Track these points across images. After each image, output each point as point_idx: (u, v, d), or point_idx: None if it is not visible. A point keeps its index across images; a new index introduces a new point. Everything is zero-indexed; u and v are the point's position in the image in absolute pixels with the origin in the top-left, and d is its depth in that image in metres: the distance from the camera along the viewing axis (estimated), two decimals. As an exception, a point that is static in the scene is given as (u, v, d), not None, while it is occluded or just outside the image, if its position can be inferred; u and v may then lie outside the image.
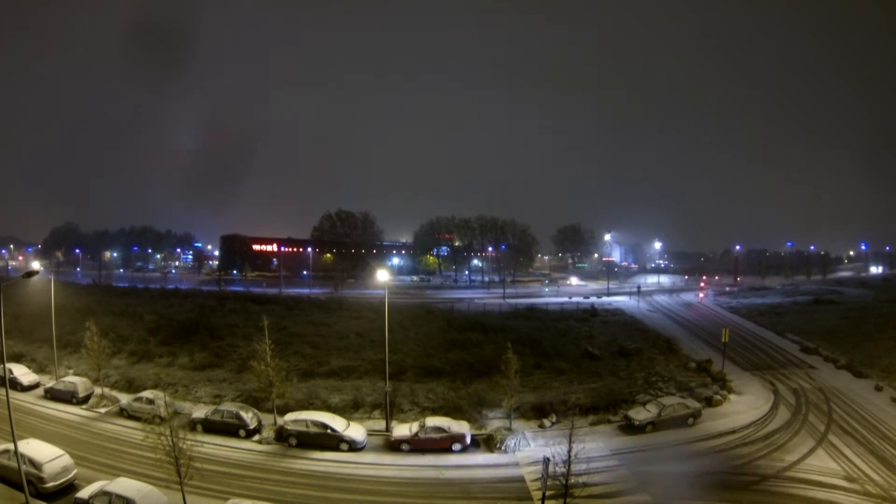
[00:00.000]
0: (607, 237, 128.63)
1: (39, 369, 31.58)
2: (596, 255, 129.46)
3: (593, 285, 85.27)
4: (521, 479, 20.00)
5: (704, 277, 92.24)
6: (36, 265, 44.40)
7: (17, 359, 32.25)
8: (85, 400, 27.12)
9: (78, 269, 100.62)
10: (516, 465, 21.22)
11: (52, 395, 27.61)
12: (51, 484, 17.78)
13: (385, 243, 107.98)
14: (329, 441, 22.47)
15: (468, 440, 22.69)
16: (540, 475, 17.72)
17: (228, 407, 24.78)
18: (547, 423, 25.13)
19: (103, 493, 16.52)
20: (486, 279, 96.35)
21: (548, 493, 16.80)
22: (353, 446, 22.40)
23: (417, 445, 22.33)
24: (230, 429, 23.56)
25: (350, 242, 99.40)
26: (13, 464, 16.67)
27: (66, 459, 18.69)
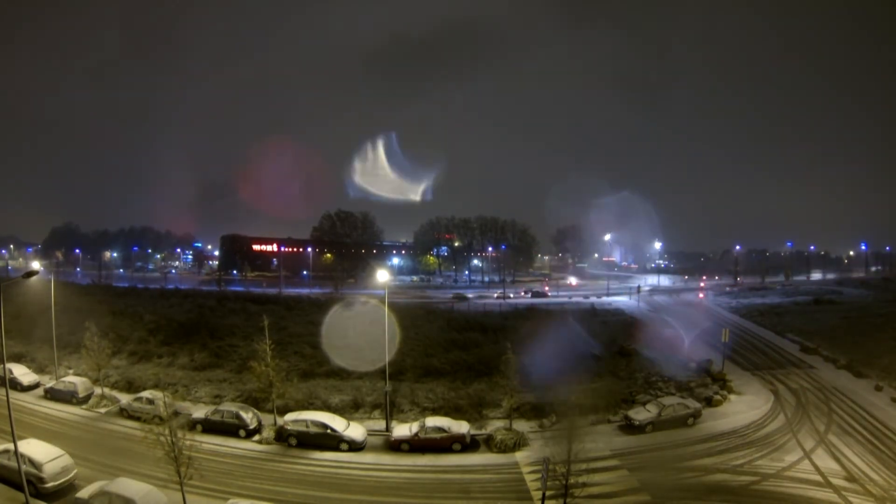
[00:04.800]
0: (607, 237, 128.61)
1: (39, 369, 31.58)
2: (596, 255, 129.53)
3: (593, 285, 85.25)
4: (521, 479, 20.01)
5: (704, 277, 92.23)
6: (36, 265, 44.39)
7: (17, 359, 32.23)
8: (85, 400, 27.14)
9: (78, 269, 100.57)
10: (516, 465, 21.24)
11: (52, 395, 27.61)
12: (51, 484, 17.78)
13: (385, 243, 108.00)
14: (329, 441, 22.49)
15: (468, 440, 22.72)
16: (540, 475, 17.73)
17: (228, 407, 24.80)
18: (547, 423, 25.12)
19: (103, 493, 16.52)
20: (486, 279, 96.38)
21: (548, 493, 16.82)
22: (353, 446, 22.42)
23: (417, 445, 22.35)
24: (230, 429, 23.57)
25: (350, 242, 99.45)
26: (13, 464, 16.65)
27: (66, 459, 18.69)
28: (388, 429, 24.28)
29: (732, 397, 28.90)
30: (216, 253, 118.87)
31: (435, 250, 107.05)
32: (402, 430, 23.34)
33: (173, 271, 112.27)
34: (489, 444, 22.97)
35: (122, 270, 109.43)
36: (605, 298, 65.96)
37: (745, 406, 27.65)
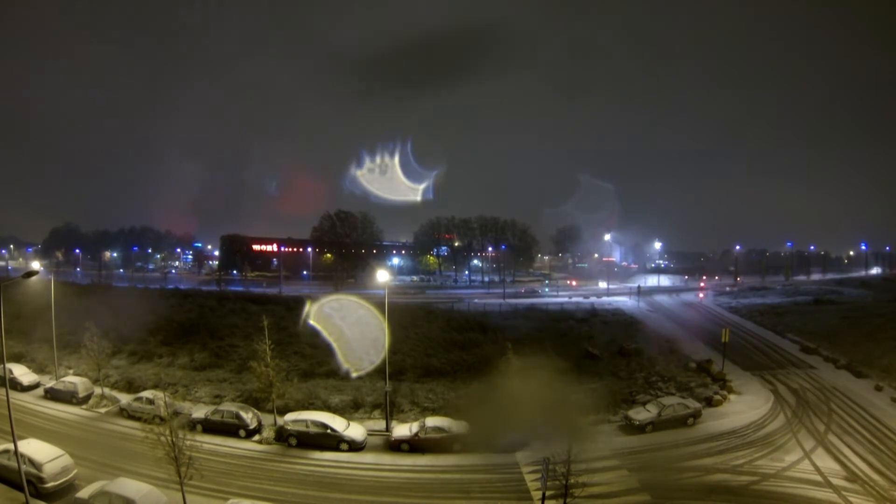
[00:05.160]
0: (607, 237, 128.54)
1: (39, 369, 31.59)
2: (596, 255, 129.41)
3: (592, 286, 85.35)
4: (521, 479, 20.02)
5: (704, 277, 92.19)
6: (36, 265, 44.39)
7: (17, 359, 32.25)
8: (85, 400, 27.15)
9: (78, 269, 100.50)
10: (516, 465, 21.23)
11: (53, 395, 27.62)
12: (51, 484, 17.79)
13: (385, 243, 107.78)
14: (329, 441, 22.50)
15: (468, 440, 22.68)
16: (540, 475, 17.73)
17: (228, 407, 24.80)
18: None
19: (103, 493, 16.53)
20: (486, 279, 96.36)
21: (548, 493, 16.82)
22: (353, 446, 22.43)
23: (417, 445, 22.36)
24: (230, 429, 23.58)
25: (350, 242, 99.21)
26: (13, 464, 16.67)
27: (66, 459, 18.70)
28: (388, 429, 24.28)
29: (732, 397, 28.91)
30: (216, 253, 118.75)
31: (435, 250, 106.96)
32: (402, 430, 23.35)
33: (173, 271, 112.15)
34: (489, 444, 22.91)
35: (122, 270, 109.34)
36: (605, 298, 65.93)
37: (745, 406, 27.66)
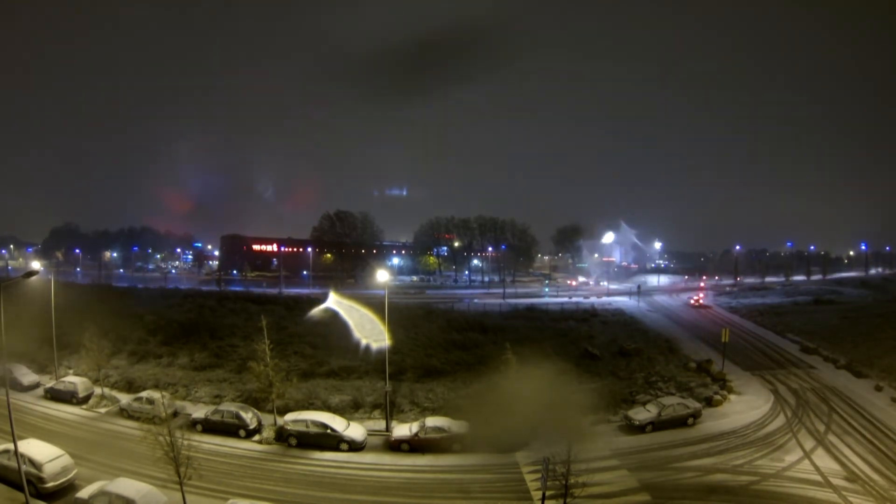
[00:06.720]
0: (607, 237, 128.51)
1: (39, 369, 31.58)
2: (596, 255, 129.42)
3: (593, 285, 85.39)
4: (521, 479, 20.02)
5: (704, 277, 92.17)
6: (36, 265, 44.34)
7: (18, 359, 32.19)
8: (85, 400, 27.15)
9: (78, 269, 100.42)
10: (516, 465, 21.23)
11: (53, 395, 27.63)
12: (51, 484, 17.79)
13: (385, 243, 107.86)
14: (329, 441, 22.50)
15: (468, 440, 22.67)
16: (540, 475, 17.73)
17: (228, 407, 24.80)
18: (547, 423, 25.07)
19: (103, 493, 16.53)
20: (486, 279, 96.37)
21: (548, 493, 16.82)
22: (353, 446, 22.43)
23: (417, 445, 22.37)
24: (230, 429, 23.57)
25: (350, 242, 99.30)
26: (13, 464, 16.67)
27: (66, 459, 18.70)
28: (388, 429, 24.28)
29: (732, 397, 28.91)
30: (216, 253, 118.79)
31: (435, 250, 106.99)
32: (402, 430, 23.35)
33: (173, 271, 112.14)
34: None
35: (122, 270, 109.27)
36: (605, 298, 65.95)
37: (745, 406, 27.66)
